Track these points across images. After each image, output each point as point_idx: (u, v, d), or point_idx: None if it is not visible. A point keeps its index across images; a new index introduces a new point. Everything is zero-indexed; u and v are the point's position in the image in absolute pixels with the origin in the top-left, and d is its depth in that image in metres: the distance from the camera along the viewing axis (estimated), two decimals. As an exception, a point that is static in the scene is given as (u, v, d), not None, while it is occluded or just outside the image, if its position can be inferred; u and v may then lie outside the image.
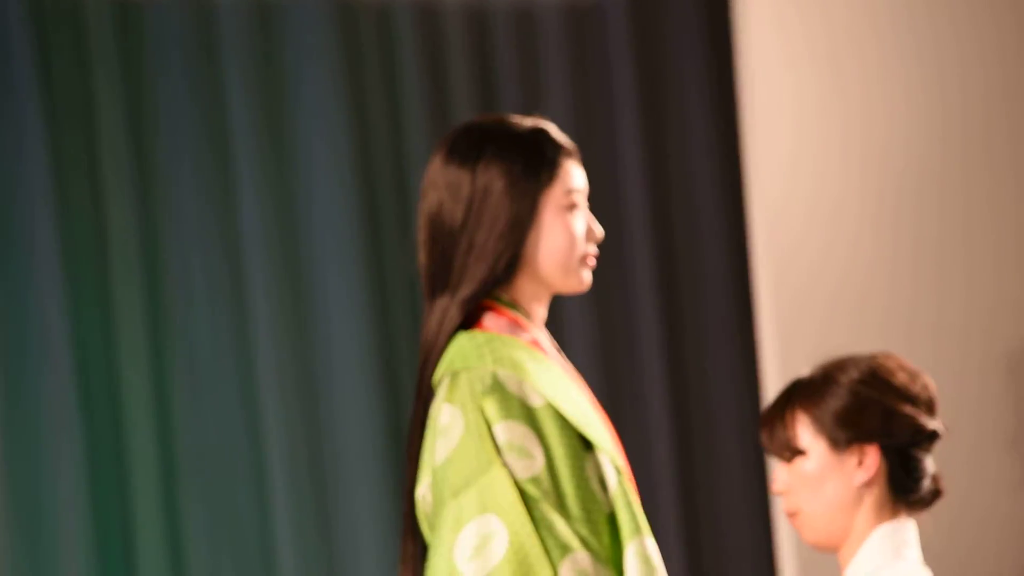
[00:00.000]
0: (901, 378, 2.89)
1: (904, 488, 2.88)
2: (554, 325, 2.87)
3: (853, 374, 2.91)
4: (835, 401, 2.90)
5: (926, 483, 2.89)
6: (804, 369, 2.97)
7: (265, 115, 4.66)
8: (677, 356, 4.84)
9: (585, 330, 4.69)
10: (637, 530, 2.66)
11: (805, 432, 2.89)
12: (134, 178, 4.61)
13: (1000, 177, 4.94)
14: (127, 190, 4.57)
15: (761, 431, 3.00)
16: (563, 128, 2.84)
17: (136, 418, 4.48)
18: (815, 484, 2.89)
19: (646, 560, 2.64)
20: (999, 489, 4.79)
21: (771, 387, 4.44)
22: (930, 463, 2.91)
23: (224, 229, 4.60)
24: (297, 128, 4.69)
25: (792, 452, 2.89)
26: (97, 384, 4.47)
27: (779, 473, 2.91)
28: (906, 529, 2.89)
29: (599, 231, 2.78)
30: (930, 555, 3.00)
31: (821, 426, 2.89)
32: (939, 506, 3.00)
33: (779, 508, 4.38)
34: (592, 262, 2.80)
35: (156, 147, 4.62)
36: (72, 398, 4.40)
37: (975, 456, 4.73)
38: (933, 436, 2.87)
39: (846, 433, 2.87)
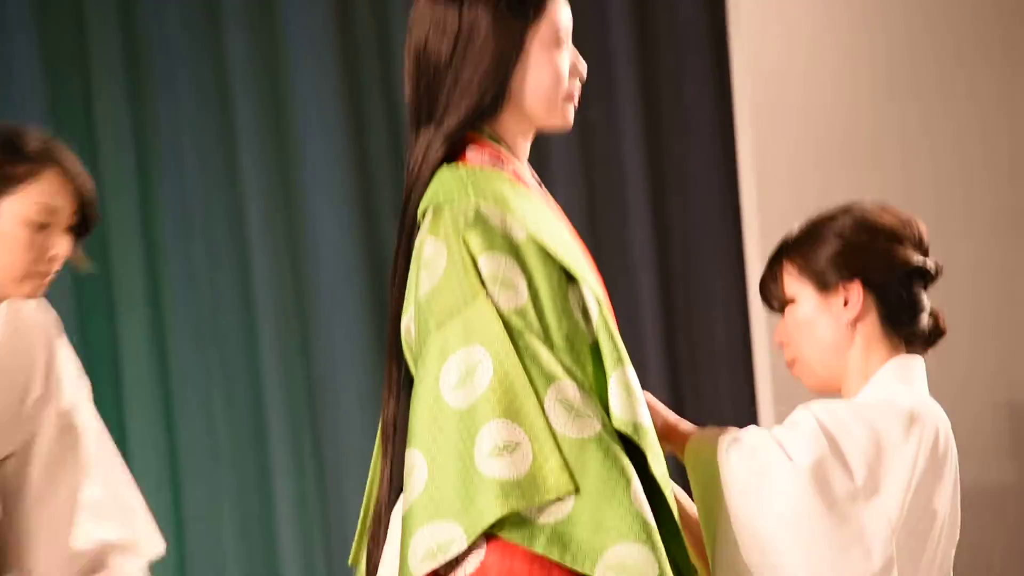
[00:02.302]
0: (887, 220, 3.04)
1: (899, 323, 3.02)
2: (537, 161, 2.94)
3: (839, 222, 3.07)
4: (821, 248, 3.06)
5: (923, 318, 3.02)
6: (793, 224, 3.11)
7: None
8: (661, 201, 5.05)
9: (571, 165, 4.87)
10: (619, 360, 2.76)
11: (792, 281, 3.06)
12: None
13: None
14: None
15: (761, 290, 3.17)
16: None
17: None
18: (808, 328, 3.06)
19: (628, 389, 2.74)
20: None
21: (750, 229, 4.56)
22: (926, 300, 3.04)
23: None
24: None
25: (783, 302, 3.06)
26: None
27: (779, 327, 3.08)
28: (915, 364, 3.03)
29: (583, 68, 2.85)
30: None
31: (807, 272, 3.05)
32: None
33: (759, 343, 4.58)
34: (576, 99, 2.87)
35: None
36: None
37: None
38: (923, 271, 3.00)
39: (830, 275, 3.02)
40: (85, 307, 4.90)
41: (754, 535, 2.89)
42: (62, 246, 3.28)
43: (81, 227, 3.29)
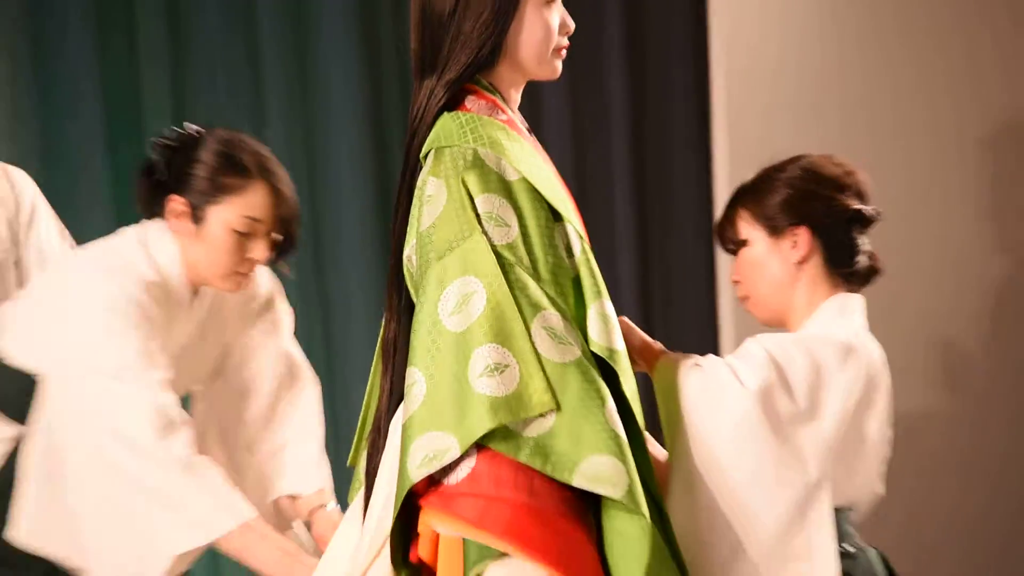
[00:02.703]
0: (831, 170, 3.33)
1: (840, 263, 3.31)
2: (527, 108, 3.19)
3: (788, 172, 3.35)
4: (772, 195, 3.34)
5: (861, 259, 3.32)
6: (749, 168, 3.37)
7: None
8: (640, 144, 5.34)
9: (560, 110, 5.21)
10: (598, 293, 3.03)
11: (746, 225, 3.35)
12: None
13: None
14: None
15: (717, 233, 3.46)
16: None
17: None
18: (759, 267, 3.36)
19: (605, 319, 3.02)
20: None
21: (720, 181, 4.82)
22: (865, 242, 3.33)
23: None
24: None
25: (737, 244, 3.35)
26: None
27: (733, 266, 3.36)
28: (854, 301, 3.33)
29: (571, 25, 3.10)
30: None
31: (759, 218, 3.34)
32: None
33: (726, 287, 4.90)
34: (564, 53, 3.13)
35: None
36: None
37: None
38: (862, 217, 3.30)
39: (779, 220, 3.31)
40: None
41: (707, 448, 3.18)
42: (260, 252, 3.60)
43: (286, 241, 3.60)
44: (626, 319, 3.28)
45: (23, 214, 4.21)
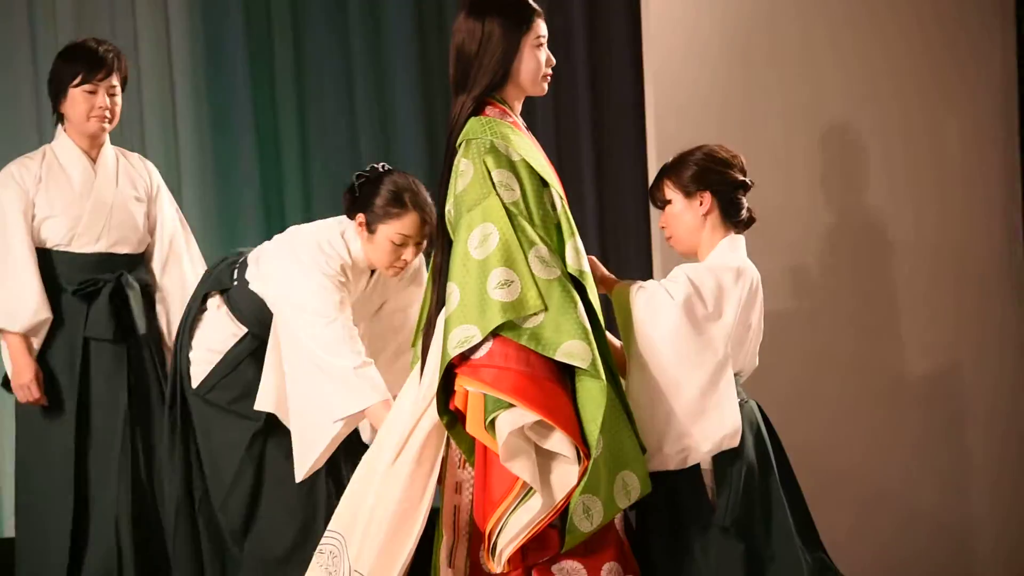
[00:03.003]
0: (723, 154, 4.40)
1: (730, 216, 4.39)
2: (527, 115, 4.36)
3: (695, 155, 4.40)
4: (685, 170, 4.40)
5: (744, 212, 4.41)
6: (671, 155, 4.46)
7: None
8: (598, 137, 6.64)
9: (546, 117, 6.49)
10: (572, 234, 4.14)
11: (669, 190, 4.42)
12: None
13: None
14: None
15: (650, 196, 4.52)
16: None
17: None
18: (679, 219, 4.42)
19: (577, 251, 4.12)
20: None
21: (651, 152, 5.83)
22: (745, 202, 4.41)
23: None
24: None
25: (664, 202, 4.45)
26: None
27: (662, 218, 4.46)
28: (739, 240, 4.39)
29: (552, 60, 4.24)
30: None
31: (678, 185, 4.41)
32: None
33: (657, 233, 5.84)
34: (548, 79, 4.25)
35: None
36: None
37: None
38: (744, 185, 4.40)
39: (691, 187, 4.38)
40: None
41: (649, 342, 4.22)
42: (409, 256, 4.74)
43: (428, 245, 4.73)
44: (593, 258, 4.32)
45: (152, 189, 5.40)
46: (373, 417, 4.64)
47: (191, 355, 4.92)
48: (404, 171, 4.84)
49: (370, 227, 4.77)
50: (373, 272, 4.90)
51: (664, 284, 4.30)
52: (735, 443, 4.22)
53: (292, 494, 4.82)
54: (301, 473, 4.70)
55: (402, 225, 4.75)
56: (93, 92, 5.19)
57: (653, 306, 4.26)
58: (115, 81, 5.23)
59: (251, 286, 4.85)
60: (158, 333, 5.34)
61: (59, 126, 5.28)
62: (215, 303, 4.94)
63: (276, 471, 4.89)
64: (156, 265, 5.33)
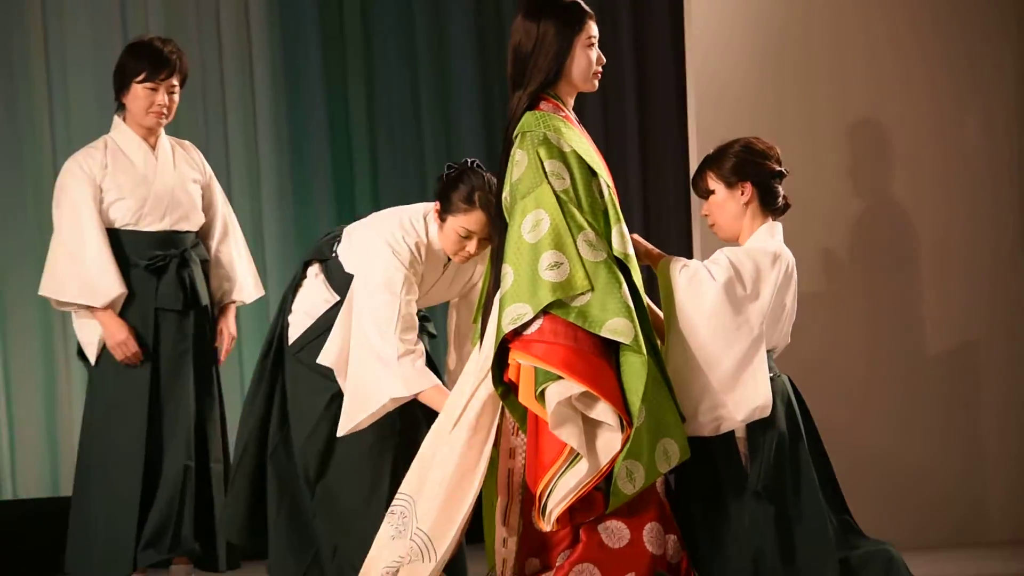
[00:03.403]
0: (761, 146, 4.62)
1: (768, 204, 4.63)
2: (578, 111, 4.62)
3: (735, 148, 4.61)
4: (726, 162, 4.61)
5: (780, 201, 4.64)
6: (710, 145, 4.68)
7: None
8: (644, 133, 7.04)
9: (594, 114, 6.77)
10: (618, 219, 4.37)
11: (712, 181, 4.64)
12: None
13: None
14: None
15: (693, 186, 4.74)
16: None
17: None
18: (721, 207, 4.65)
19: (622, 235, 4.35)
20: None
21: (692, 146, 6.13)
22: (781, 190, 4.63)
23: None
24: None
25: (707, 192, 4.67)
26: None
27: (704, 206, 4.68)
28: (777, 226, 4.62)
29: (603, 59, 4.47)
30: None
31: (720, 177, 4.62)
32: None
33: (697, 219, 6.12)
34: (599, 76, 4.48)
35: None
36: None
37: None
38: (780, 174, 4.62)
39: (731, 178, 4.60)
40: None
41: (690, 319, 4.44)
42: (473, 248, 4.94)
43: (491, 241, 4.88)
44: (637, 235, 4.55)
45: (205, 177, 5.73)
46: (426, 400, 4.91)
47: (290, 317, 5.22)
48: (485, 170, 5.07)
49: (442, 216, 4.99)
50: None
51: (707, 265, 4.52)
52: (766, 414, 4.45)
53: (363, 454, 5.10)
54: (343, 430, 4.98)
55: (468, 220, 4.95)
56: (154, 89, 5.49)
57: (695, 285, 4.48)
58: (175, 81, 5.52)
59: (340, 258, 5.14)
60: (212, 302, 5.69)
61: (117, 116, 5.58)
62: (314, 271, 5.22)
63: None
64: (214, 242, 5.67)
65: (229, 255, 5.73)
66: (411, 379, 4.87)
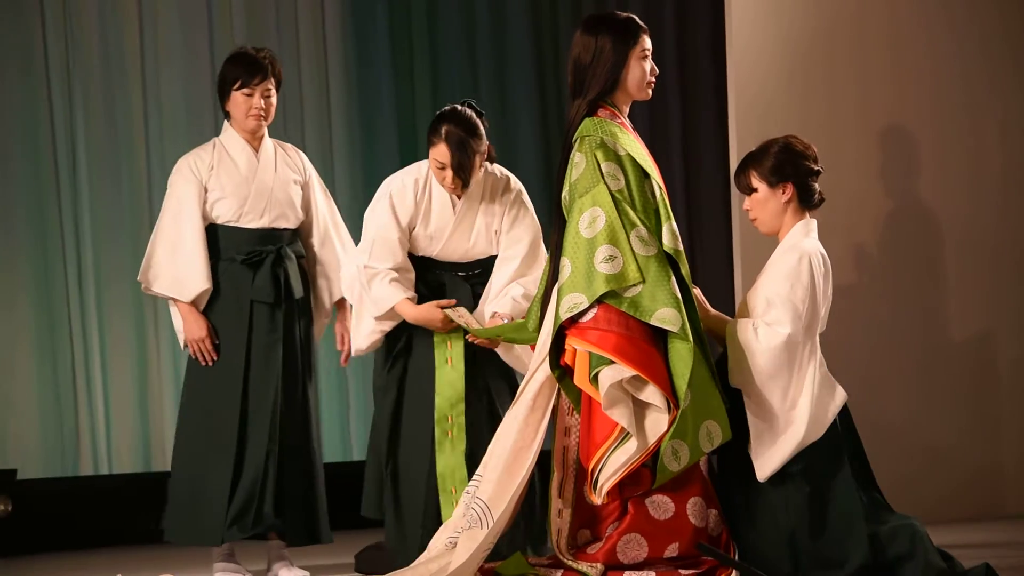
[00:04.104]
0: (800, 147, 4.84)
1: (806, 202, 4.87)
2: (635, 117, 4.90)
3: (774, 147, 4.84)
4: (768, 161, 4.85)
5: (816, 197, 4.88)
6: (753, 145, 4.93)
7: None
8: (688, 136, 7.41)
9: (642, 122, 7.05)
10: (669, 217, 4.63)
11: (754, 179, 4.87)
12: None
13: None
14: None
15: (735, 181, 4.97)
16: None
17: None
18: (763, 204, 4.88)
19: (673, 232, 4.62)
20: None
21: (732, 151, 6.35)
22: (818, 187, 4.85)
23: None
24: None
25: (750, 189, 4.91)
26: None
27: (747, 202, 4.93)
28: (812, 222, 4.84)
29: (656, 70, 4.75)
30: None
31: (762, 175, 4.86)
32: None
33: (737, 212, 6.34)
34: (653, 85, 4.74)
35: None
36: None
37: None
38: (817, 173, 4.84)
39: (772, 178, 4.84)
40: None
41: (757, 381, 4.65)
42: (449, 178, 5.51)
43: (459, 174, 5.47)
44: (700, 294, 4.74)
45: (306, 175, 6.01)
46: (403, 314, 5.54)
47: None
48: (471, 110, 5.58)
49: (428, 149, 5.54)
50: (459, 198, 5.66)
51: (772, 326, 4.72)
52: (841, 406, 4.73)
53: (430, 415, 5.49)
54: (353, 354, 5.68)
55: (436, 152, 5.50)
56: (250, 95, 5.74)
57: (764, 347, 4.73)
58: (270, 84, 5.76)
59: None
60: (310, 298, 5.95)
61: (226, 121, 5.88)
62: None
63: (414, 390, 5.58)
64: (315, 240, 5.92)
65: (331, 255, 5.97)
66: (379, 299, 5.50)
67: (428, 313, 5.48)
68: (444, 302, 5.53)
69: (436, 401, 5.45)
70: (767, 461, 4.65)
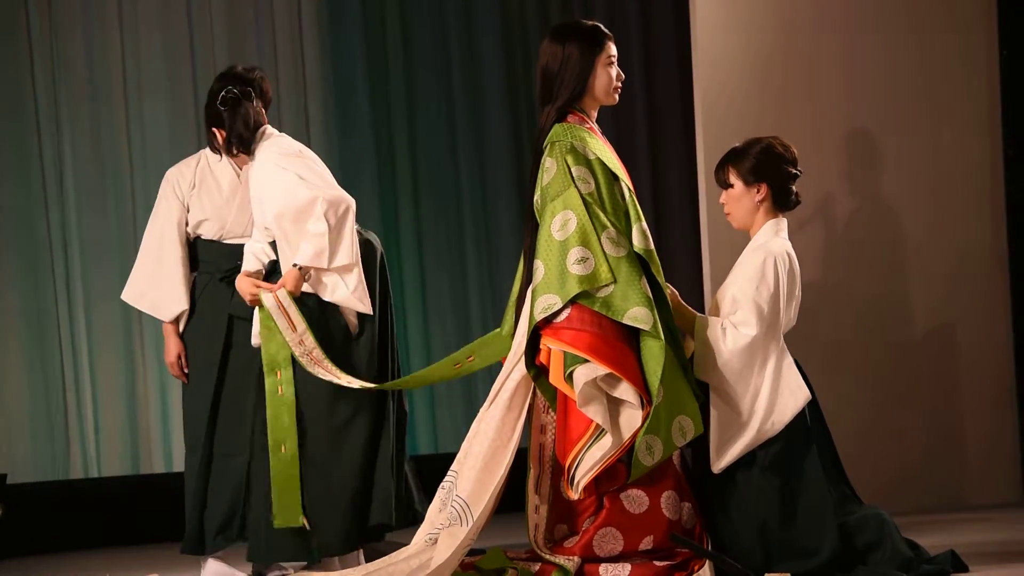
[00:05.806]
0: (779, 149, 4.91)
1: (781, 203, 4.94)
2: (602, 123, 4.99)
3: (755, 148, 4.91)
4: (746, 161, 4.91)
5: (792, 199, 4.95)
6: (719, 146, 5.01)
7: None
8: (653, 134, 7.55)
9: (606, 122, 7.04)
10: (639, 218, 4.70)
11: (732, 176, 4.94)
12: None
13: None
14: None
15: (716, 175, 5.01)
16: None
17: None
18: (737, 200, 4.95)
19: (643, 232, 4.69)
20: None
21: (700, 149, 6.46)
22: (794, 189, 4.92)
23: None
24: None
25: (727, 184, 4.97)
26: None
27: (723, 195, 4.98)
28: (782, 222, 4.91)
29: (622, 76, 4.83)
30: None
31: (740, 173, 4.92)
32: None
33: (705, 213, 6.41)
34: (619, 90, 4.82)
35: None
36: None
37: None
38: (795, 176, 4.92)
39: (749, 177, 4.91)
40: None
41: (723, 376, 4.70)
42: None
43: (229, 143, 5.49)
44: (674, 290, 4.79)
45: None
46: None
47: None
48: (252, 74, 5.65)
49: None
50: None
51: (738, 327, 4.79)
52: (807, 402, 4.78)
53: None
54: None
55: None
56: None
57: (719, 344, 4.79)
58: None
59: None
60: None
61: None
62: None
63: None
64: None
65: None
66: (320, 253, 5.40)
67: (243, 284, 5.43)
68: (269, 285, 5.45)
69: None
70: (723, 454, 4.71)
